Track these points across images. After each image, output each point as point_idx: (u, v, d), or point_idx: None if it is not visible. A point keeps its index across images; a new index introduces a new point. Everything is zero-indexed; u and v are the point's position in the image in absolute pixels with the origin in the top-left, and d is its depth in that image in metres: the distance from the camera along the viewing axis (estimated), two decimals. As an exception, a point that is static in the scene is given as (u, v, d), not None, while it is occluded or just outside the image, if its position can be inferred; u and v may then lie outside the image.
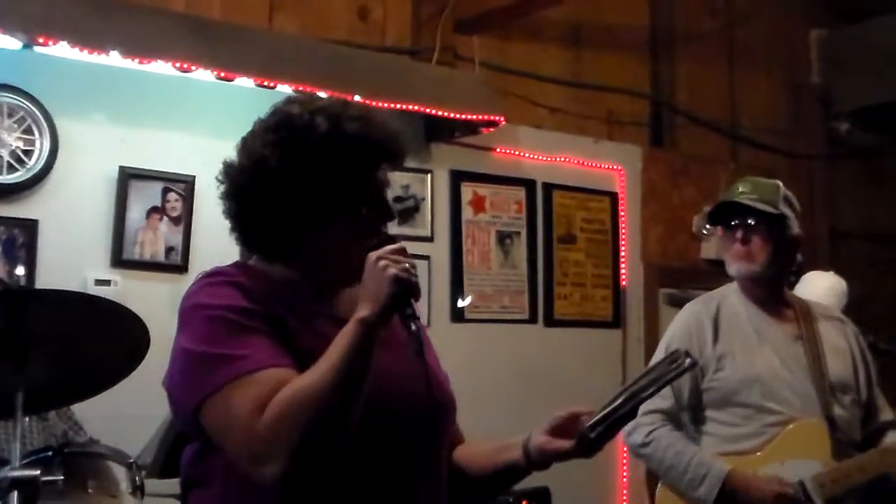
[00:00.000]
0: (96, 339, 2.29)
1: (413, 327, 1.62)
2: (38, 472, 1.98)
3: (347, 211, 1.75)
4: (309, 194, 1.73)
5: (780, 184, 3.01)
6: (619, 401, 1.75)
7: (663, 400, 2.88)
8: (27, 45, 3.47)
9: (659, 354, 3.02)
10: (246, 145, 1.78)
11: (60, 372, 2.29)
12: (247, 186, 1.75)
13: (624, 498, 5.31)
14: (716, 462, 2.84)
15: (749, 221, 2.93)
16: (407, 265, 1.63)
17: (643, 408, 2.90)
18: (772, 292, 3.03)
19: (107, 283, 3.89)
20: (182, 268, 4.11)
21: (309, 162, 1.73)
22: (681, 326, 2.99)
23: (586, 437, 1.75)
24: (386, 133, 1.80)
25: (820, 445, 2.85)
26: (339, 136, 1.74)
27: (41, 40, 3.46)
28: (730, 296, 3.04)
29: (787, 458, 2.84)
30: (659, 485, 2.98)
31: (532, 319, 5.14)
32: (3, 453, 2.86)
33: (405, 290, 1.61)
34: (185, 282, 4.07)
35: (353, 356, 1.58)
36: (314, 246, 1.77)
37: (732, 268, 3.00)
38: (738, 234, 2.94)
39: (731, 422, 2.90)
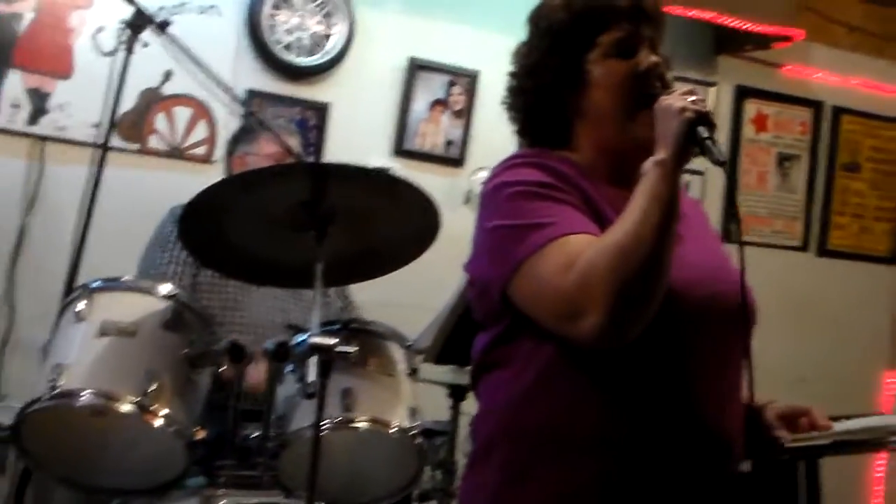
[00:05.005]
0: (393, 219, 2.36)
1: (712, 147, 1.56)
2: (336, 340, 2.06)
3: (595, 73, 1.72)
4: (558, 71, 1.74)
5: None
6: (827, 442, 1.76)
7: None
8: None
9: None
10: (513, 53, 1.85)
11: (356, 247, 2.37)
12: (516, 90, 1.81)
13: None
14: None
15: None
16: (694, 98, 1.60)
17: None
18: None
19: (388, 170, 4.00)
20: (459, 161, 4.17)
21: (548, 41, 1.75)
22: None
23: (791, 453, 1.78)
24: None
25: None
26: (571, 8, 1.74)
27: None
28: None
29: None
30: None
31: (804, 247, 4.94)
32: (293, 321, 3.05)
33: (695, 118, 1.57)
34: (461, 176, 4.16)
35: (659, 198, 1.54)
36: (584, 122, 1.75)
37: None
38: None
39: None
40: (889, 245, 5.13)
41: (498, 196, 1.68)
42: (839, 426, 1.76)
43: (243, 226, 2.32)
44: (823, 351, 4.83)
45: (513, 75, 1.82)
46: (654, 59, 1.73)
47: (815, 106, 4.93)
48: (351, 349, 2.15)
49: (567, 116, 1.77)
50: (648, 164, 1.59)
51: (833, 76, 4.94)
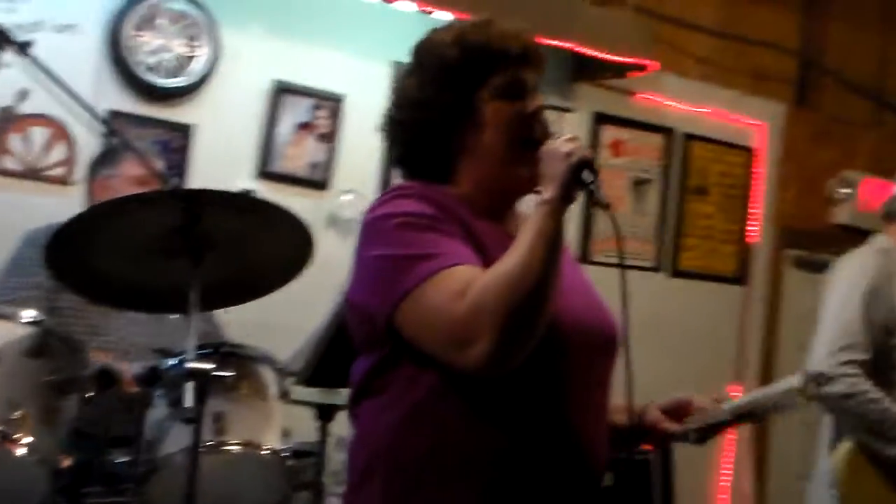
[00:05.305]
0: (266, 243, 2.36)
1: (595, 189, 1.65)
2: (213, 365, 2.06)
3: (485, 113, 1.78)
4: (447, 108, 1.79)
5: None
6: (725, 418, 1.87)
7: (861, 352, 2.86)
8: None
9: (839, 302, 2.95)
10: (394, 86, 1.88)
11: (230, 271, 2.37)
12: (399, 123, 1.84)
13: (728, 452, 5.32)
14: None
15: None
16: (579, 144, 1.69)
17: (840, 356, 2.86)
18: None
19: (251, 192, 3.98)
20: (324, 184, 4.18)
21: (438, 78, 1.80)
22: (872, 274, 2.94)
23: (691, 436, 1.89)
24: (510, 35, 1.83)
25: None
26: (462, 45, 1.80)
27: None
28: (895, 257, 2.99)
29: None
30: (846, 443, 2.95)
31: (657, 268, 5.13)
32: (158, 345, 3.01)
33: (580, 162, 1.66)
34: (325, 199, 4.18)
35: (545, 234, 1.62)
36: (469, 160, 1.81)
37: None
38: None
39: None
40: (735, 266, 5.37)
41: (381, 226, 1.72)
42: (725, 405, 1.87)
43: (113, 252, 2.29)
44: (678, 367, 5.00)
45: (397, 106, 1.85)
46: (539, 103, 1.81)
47: (667, 133, 5.13)
48: (227, 374, 2.16)
49: (451, 151, 1.81)
50: (535, 203, 1.67)
51: (683, 104, 5.15)
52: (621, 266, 1.73)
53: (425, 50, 1.85)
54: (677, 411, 1.89)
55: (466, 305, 1.59)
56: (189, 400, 1.99)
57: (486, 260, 1.69)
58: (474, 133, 1.79)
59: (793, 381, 1.86)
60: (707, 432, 1.86)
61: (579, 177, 1.66)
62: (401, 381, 1.71)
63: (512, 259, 1.62)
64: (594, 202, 1.66)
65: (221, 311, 3.24)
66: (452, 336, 1.61)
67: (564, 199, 1.66)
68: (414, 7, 4.00)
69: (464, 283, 1.62)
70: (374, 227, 1.74)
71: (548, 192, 1.66)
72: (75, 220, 2.18)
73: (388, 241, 1.70)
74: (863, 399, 2.83)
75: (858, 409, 2.84)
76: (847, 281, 2.97)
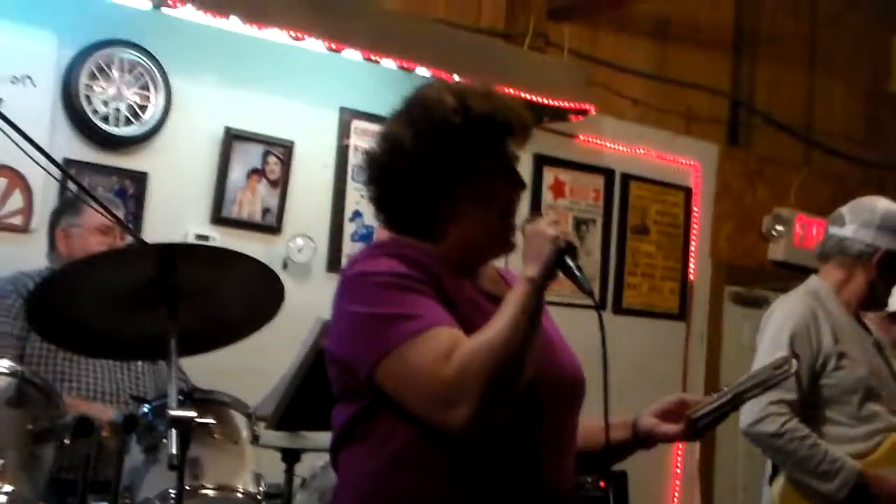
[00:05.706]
0: (237, 292, 2.40)
1: (579, 275, 1.75)
2: (195, 413, 2.08)
3: (482, 184, 1.85)
4: (443, 169, 1.84)
5: None
6: (726, 399, 1.93)
7: (788, 392, 2.92)
8: (156, 6, 3.61)
9: (769, 343, 3.06)
10: (384, 129, 1.92)
11: (204, 320, 2.40)
12: (386, 168, 1.88)
13: (676, 487, 5.42)
14: (848, 459, 2.91)
15: None
16: (564, 228, 1.79)
17: (769, 397, 2.95)
18: None
19: (205, 238, 4.02)
20: (276, 229, 4.24)
21: (439, 139, 1.85)
22: (798, 316, 3.05)
23: (693, 426, 1.93)
24: (511, 109, 1.89)
25: None
26: (466, 112, 1.85)
27: (170, 2, 3.60)
28: (824, 297, 3.09)
29: None
30: (780, 478, 3.02)
31: (601, 306, 5.22)
32: (124, 390, 3.05)
33: (565, 247, 1.76)
34: (278, 243, 4.23)
35: (527, 311, 1.70)
36: (455, 221, 1.87)
37: None
38: None
39: (841, 421, 2.98)
40: (676, 302, 5.51)
41: (361, 283, 1.79)
42: (715, 395, 1.94)
43: (90, 303, 2.30)
44: (624, 401, 5.08)
45: (387, 152, 1.88)
46: (522, 179, 1.91)
47: (607, 173, 5.27)
48: (209, 421, 2.19)
49: (439, 209, 1.86)
50: (519, 278, 1.77)
51: (621, 145, 5.31)
52: (604, 351, 1.82)
53: (423, 106, 1.88)
54: (671, 413, 1.96)
55: (453, 369, 1.66)
56: (173, 447, 2.01)
57: (456, 315, 1.76)
58: (467, 198, 1.86)
59: (777, 358, 1.95)
60: (708, 421, 1.92)
61: (563, 260, 1.76)
62: (381, 430, 1.78)
63: (496, 330, 1.69)
64: (576, 286, 1.75)
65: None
66: (438, 396, 1.68)
67: (546, 279, 1.75)
68: (359, 56, 4.09)
69: (447, 343, 1.68)
70: (354, 284, 1.80)
71: (531, 270, 1.75)
72: (55, 274, 2.21)
73: (368, 299, 1.76)
74: (792, 437, 2.92)
75: (788, 447, 2.92)
76: (777, 323, 3.08)
